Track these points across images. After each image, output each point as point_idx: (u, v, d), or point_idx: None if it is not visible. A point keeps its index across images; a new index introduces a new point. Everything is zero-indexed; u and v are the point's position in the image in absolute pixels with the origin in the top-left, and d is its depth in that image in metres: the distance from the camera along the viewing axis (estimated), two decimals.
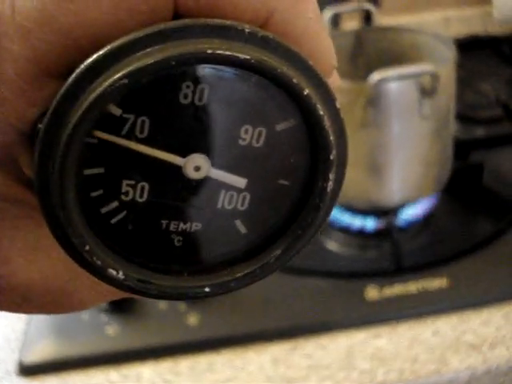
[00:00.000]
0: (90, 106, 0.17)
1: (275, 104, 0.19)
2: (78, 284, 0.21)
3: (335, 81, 0.21)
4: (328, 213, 0.21)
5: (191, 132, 0.19)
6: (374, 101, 0.58)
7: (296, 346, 0.60)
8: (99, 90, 0.17)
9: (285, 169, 0.20)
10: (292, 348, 0.60)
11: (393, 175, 0.65)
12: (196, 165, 0.19)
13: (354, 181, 0.66)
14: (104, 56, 0.17)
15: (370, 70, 0.68)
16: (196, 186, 0.19)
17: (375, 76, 0.56)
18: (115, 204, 0.19)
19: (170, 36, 0.17)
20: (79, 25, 0.17)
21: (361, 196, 0.67)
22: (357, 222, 0.70)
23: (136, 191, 0.19)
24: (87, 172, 0.19)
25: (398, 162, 0.64)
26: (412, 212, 0.69)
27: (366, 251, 0.69)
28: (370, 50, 0.72)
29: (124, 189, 0.19)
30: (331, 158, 0.19)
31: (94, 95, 0.17)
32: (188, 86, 0.18)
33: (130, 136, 0.18)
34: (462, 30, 1.11)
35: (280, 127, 0.19)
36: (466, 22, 1.12)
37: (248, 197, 0.20)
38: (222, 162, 0.19)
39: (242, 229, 0.20)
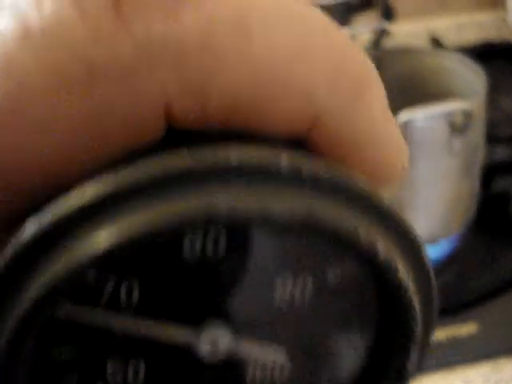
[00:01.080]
0: (53, 282, 0.12)
1: (325, 248, 0.13)
2: None
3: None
4: None
5: (201, 296, 0.13)
6: None
7: None
8: (62, 266, 0.12)
9: (340, 326, 0.15)
10: None
11: (418, 213, 0.61)
12: (212, 339, 0.14)
13: None
14: (60, 215, 0.12)
15: (390, 95, 0.64)
16: (213, 363, 0.14)
17: (403, 116, 0.52)
18: None
19: (162, 186, 0.12)
20: (14, 163, 0.12)
21: None
22: None
23: (128, 372, 0.14)
24: (54, 353, 0.13)
25: (424, 199, 0.60)
26: (437, 250, 0.65)
27: None
28: (389, 73, 0.68)
29: (110, 370, 0.14)
30: (416, 333, 0.14)
31: (58, 269, 0.12)
32: (195, 234, 0.12)
33: (111, 306, 0.13)
34: (475, 35, 1.07)
35: (333, 273, 0.14)
36: (479, 27, 1.07)
37: (288, 366, 0.14)
38: (249, 330, 0.14)
39: None
